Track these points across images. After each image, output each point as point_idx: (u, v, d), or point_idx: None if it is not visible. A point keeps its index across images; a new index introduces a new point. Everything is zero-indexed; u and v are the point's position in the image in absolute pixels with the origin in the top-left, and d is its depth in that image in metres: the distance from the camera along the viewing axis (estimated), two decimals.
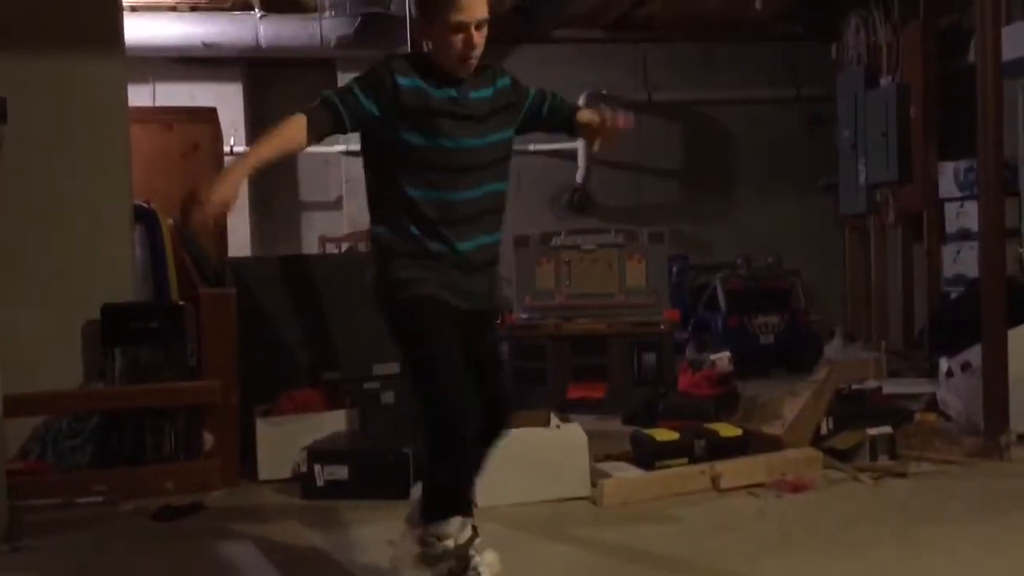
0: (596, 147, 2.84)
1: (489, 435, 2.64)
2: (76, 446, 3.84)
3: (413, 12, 2.73)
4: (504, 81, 2.73)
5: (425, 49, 2.67)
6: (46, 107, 3.72)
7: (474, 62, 2.59)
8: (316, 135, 2.52)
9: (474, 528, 2.56)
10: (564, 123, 2.89)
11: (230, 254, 5.70)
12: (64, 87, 3.72)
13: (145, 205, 4.18)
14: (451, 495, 2.55)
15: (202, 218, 2.36)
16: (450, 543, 2.51)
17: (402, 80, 2.55)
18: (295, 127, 2.49)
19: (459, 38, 2.53)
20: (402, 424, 4.22)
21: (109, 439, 3.85)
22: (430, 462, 2.61)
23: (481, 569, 2.52)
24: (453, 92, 2.60)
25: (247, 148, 2.51)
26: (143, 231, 4.06)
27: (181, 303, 4.06)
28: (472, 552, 2.53)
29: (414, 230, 2.58)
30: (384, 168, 2.62)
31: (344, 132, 2.57)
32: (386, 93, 2.54)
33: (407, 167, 2.58)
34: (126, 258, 3.88)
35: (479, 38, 2.56)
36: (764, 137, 8.19)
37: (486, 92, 2.67)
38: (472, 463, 2.60)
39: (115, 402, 3.81)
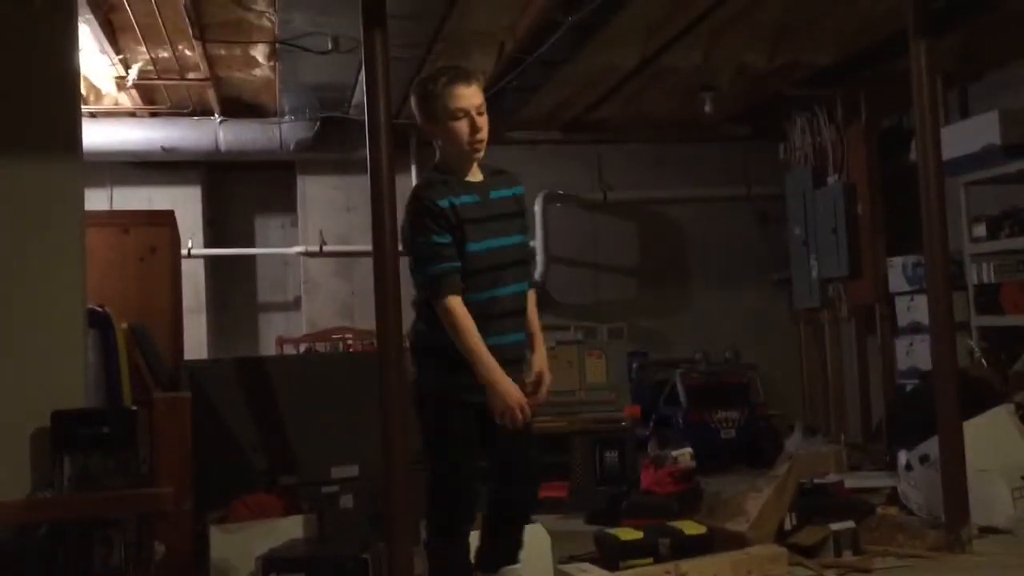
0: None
1: (514, 517, 2.91)
2: (22, 558, 3.69)
3: (418, 118, 2.85)
4: (520, 190, 2.93)
5: (436, 157, 2.84)
6: (0, 211, 3.69)
7: (483, 147, 2.75)
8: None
9: None
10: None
11: (186, 356, 5.63)
12: (19, 192, 3.70)
13: (99, 309, 4.14)
14: None
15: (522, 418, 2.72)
16: None
17: (441, 202, 2.73)
18: (467, 314, 2.72)
19: (464, 124, 2.69)
20: (361, 529, 4.12)
21: (56, 551, 3.71)
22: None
23: None
24: (476, 197, 2.75)
25: (468, 344, 2.75)
26: (96, 336, 4.01)
27: (134, 408, 3.98)
28: None
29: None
30: None
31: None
32: (443, 219, 2.73)
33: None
34: (78, 363, 3.81)
35: (482, 122, 2.73)
36: (717, 234, 8.35)
37: (507, 192, 2.84)
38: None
39: (63, 511, 3.68)
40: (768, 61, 6.29)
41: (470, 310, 2.72)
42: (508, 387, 2.69)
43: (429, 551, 2.95)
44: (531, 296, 2.95)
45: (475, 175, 2.81)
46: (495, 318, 2.75)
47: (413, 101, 2.85)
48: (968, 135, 5.79)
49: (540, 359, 2.93)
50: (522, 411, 2.69)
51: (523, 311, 2.85)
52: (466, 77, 2.76)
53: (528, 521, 3.05)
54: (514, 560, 2.98)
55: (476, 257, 2.72)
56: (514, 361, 2.80)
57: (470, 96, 2.70)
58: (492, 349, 2.72)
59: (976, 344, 5.85)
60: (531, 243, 3.01)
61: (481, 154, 2.78)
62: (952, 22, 5.37)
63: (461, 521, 2.87)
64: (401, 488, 3.57)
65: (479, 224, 2.72)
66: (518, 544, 3.00)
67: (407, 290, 3.15)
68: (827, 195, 7.29)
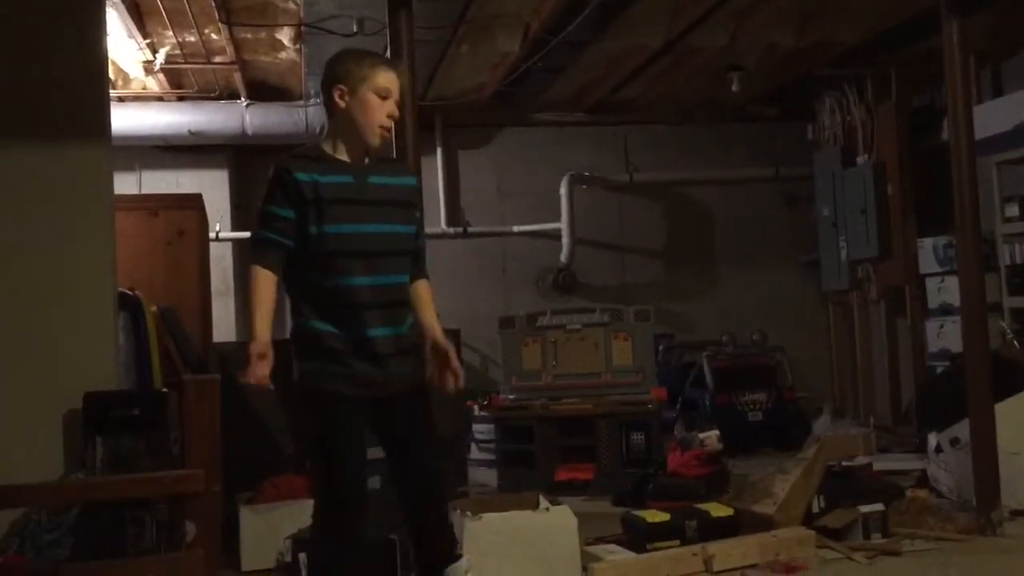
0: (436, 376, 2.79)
1: (423, 507, 2.76)
2: (55, 540, 3.75)
3: (329, 85, 2.74)
4: (411, 181, 2.84)
5: (325, 131, 2.79)
6: (30, 196, 3.73)
7: (388, 135, 2.71)
8: (279, 275, 2.67)
9: None
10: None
11: (215, 339, 5.67)
12: (50, 176, 3.74)
13: (130, 293, 4.17)
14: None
15: (256, 385, 2.65)
16: None
17: (299, 175, 2.64)
18: (267, 284, 2.63)
19: (385, 104, 2.66)
20: (388, 509, 4.15)
21: (89, 532, 3.76)
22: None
23: None
24: (350, 178, 2.67)
25: (252, 310, 2.65)
26: (127, 319, 4.04)
27: (164, 390, 4.02)
28: None
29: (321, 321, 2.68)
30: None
31: (291, 251, 2.66)
32: (292, 191, 2.64)
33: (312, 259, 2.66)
34: (109, 346, 3.85)
35: (397, 112, 2.70)
36: (745, 215, 8.30)
37: (392, 180, 2.74)
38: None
39: (95, 493, 3.73)
40: (796, 40, 6.21)
41: (317, 296, 2.64)
42: (253, 348, 2.60)
43: (311, 553, 2.84)
44: (420, 289, 2.80)
45: (358, 159, 2.70)
46: (348, 308, 2.62)
47: (333, 67, 2.75)
48: (1001, 113, 5.70)
49: (430, 327, 2.78)
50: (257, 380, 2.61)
51: (397, 304, 2.68)
52: (396, 66, 2.77)
53: (440, 509, 2.82)
54: (451, 558, 2.77)
55: (328, 239, 2.60)
56: (384, 356, 2.65)
57: (395, 84, 2.69)
58: (348, 341, 2.62)
59: (1008, 325, 5.78)
60: (421, 239, 2.83)
61: (383, 142, 2.71)
62: None
63: (347, 523, 2.70)
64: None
65: (344, 206, 2.62)
66: (449, 539, 2.82)
67: (432, 271, 3.14)
68: (856, 175, 7.21)
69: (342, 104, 2.68)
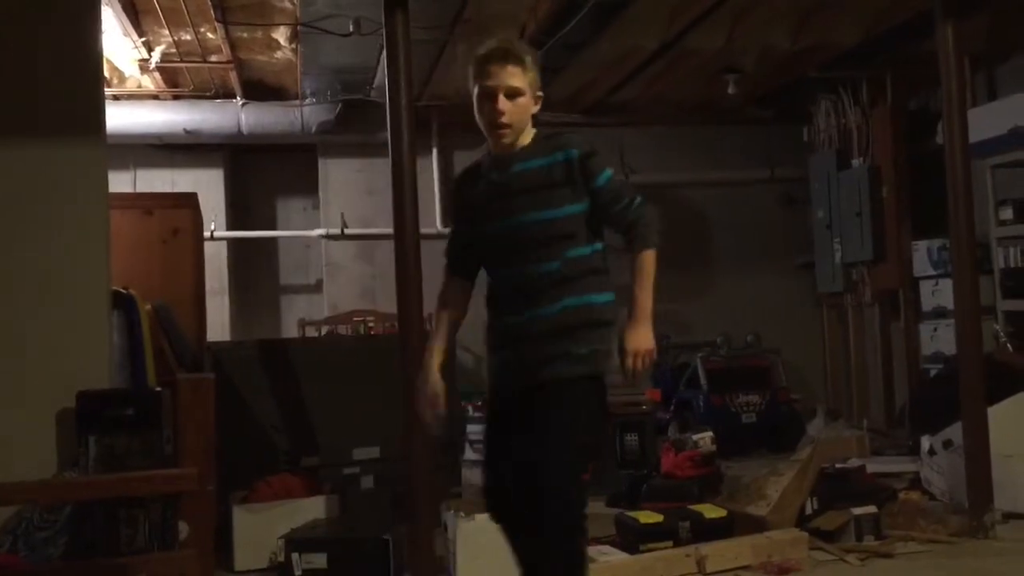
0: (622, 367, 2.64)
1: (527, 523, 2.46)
2: (48, 538, 3.74)
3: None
4: (566, 155, 2.62)
5: None
6: (24, 193, 3.72)
7: (506, 132, 2.59)
8: (468, 290, 2.76)
9: None
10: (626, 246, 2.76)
11: (209, 338, 5.67)
12: (44, 174, 3.73)
13: (124, 291, 4.17)
14: None
15: (430, 418, 2.65)
16: None
17: (456, 191, 2.72)
18: (451, 295, 2.74)
19: (486, 104, 2.56)
20: (383, 510, 4.15)
21: (82, 531, 3.75)
22: None
23: None
24: (495, 175, 2.64)
25: (432, 329, 2.76)
26: (121, 317, 4.04)
27: (158, 389, 4.01)
28: None
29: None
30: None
31: (479, 265, 2.73)
32: (455, 208, 2.74)
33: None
34: (103, 345, 3.84)
35: (506, 105, 2.56)
36: (740, 217, 8.30)
37: (537, 163, 2.62)
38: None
39: (89, 492, 3.72)
40: (792, 43, 6.22)
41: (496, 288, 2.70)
42: (421, 384, 2.68)
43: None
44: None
45: (513, 150, 2.64)
46: (491, 304, 2.71)
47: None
48: (995, 117, 5.71)
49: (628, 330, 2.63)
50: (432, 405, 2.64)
51: (531, 293, 2.58)
52: (503, 57, 2.58)
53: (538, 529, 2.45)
54: None
55: (478, 240, 2.68)
56: (511, 344, 2.63)
57: (499, 75, 2.55)
58: (490, 333, 2.70)
59: (1002, 329, 5.79)
60: (576, 209, 2.65)
61: (505, 139, 2.60)
62: (979, 3, 5.30)
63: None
64: (423, 469, 3.59)
65: (483, 208, 2.64)
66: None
67: (428, 273, 3.15)
68: (851, 178, 7.22)
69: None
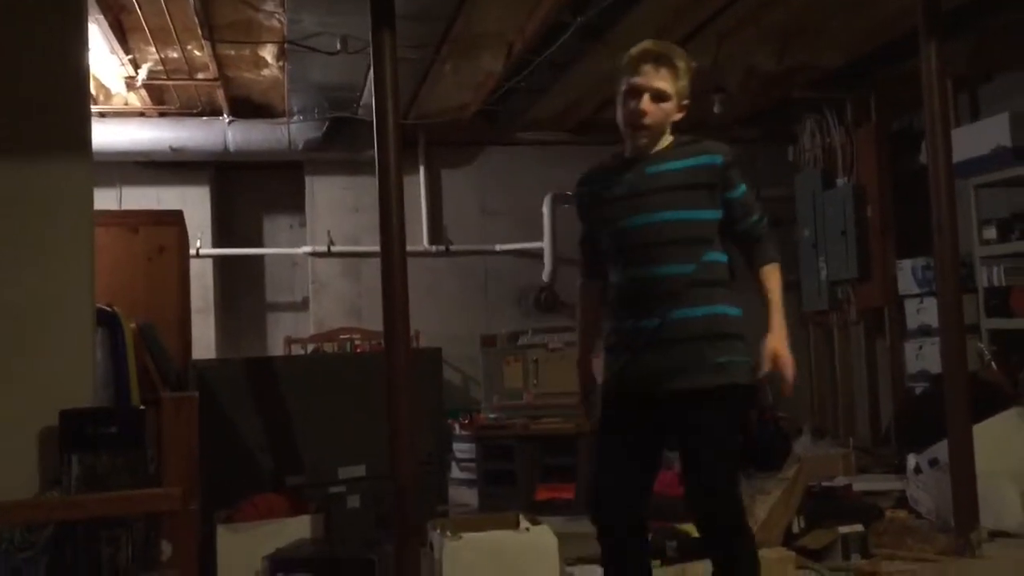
0: (767, 368, 2.73)
1: (705, 529, 2.57)
2: (29, 558, 3.70)
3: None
4: (710, 159, 2.64)
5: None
6: (8, 210, 3.70)
7: (644, 133, 2.61)
8: (603, 289, 2.80)
9: None
10: (748, 265, 2.78)
11: (194, 356, 5.63)
12: (29, 191, 3.71)
13: (108, 309, 4.14)
14: None
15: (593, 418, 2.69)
16: None
17: (583, 188, 2.75)
18: (589, 299, 2.84)
19: (631, 102, 2.58)
20: (368, 529, 4.12)
21: (63, 551, 3.71)
22: None
23: None
24: (629, 174, 2.64)
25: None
26: (105, 335, 4.01)
27: (142, 407, 3.98)
28: None
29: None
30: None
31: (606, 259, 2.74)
32: (582, 207, 2.76)
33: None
34: (86, 362, 3.81)
35: (650, 107, 2.58)
36: None
37: (676, 164, 2.62)
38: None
39: (71, 511, 3.69)
40: (777, 63, 6.27)
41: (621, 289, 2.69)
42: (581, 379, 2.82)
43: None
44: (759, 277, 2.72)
45: (650, 152, 2.66)
46: (616, 304, 2.70)
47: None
48: (978, 137, 5.76)
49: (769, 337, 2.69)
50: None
51: (663, 295, 2.56)
52: (656, 59, 2.62)
53: (719, 535, 2.61)
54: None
55: (606, 238, 2.70)
56: (638, 347, 2.60)
57: (650, 76, 2.58)
58: (611, 334, 2.70)
59: (986, 347, 5.82)
60: (745, 220, 2.73)
61: (642, 139, 2.62)
62: (962, 25, 5.35)
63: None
64: (408, 488, 3.57)
65: (613, 204, 2.64)
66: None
67: (413, 290, 3.13)
68: (836, 197, 7.26)
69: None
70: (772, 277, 2.74)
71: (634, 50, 2.66)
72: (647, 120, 2.59)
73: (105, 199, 6.79)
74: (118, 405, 4.10)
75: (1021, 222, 5.77)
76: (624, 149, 2.71)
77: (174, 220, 5.29)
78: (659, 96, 2.59)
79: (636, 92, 2.59)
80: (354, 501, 4.37)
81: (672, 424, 2.58)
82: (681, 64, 2.64)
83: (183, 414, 3.86)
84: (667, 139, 2.68)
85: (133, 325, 4.28)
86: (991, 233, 5.92)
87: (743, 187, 2.68)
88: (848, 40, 6.06)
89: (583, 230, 2.83)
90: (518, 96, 6.62)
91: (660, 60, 2.61)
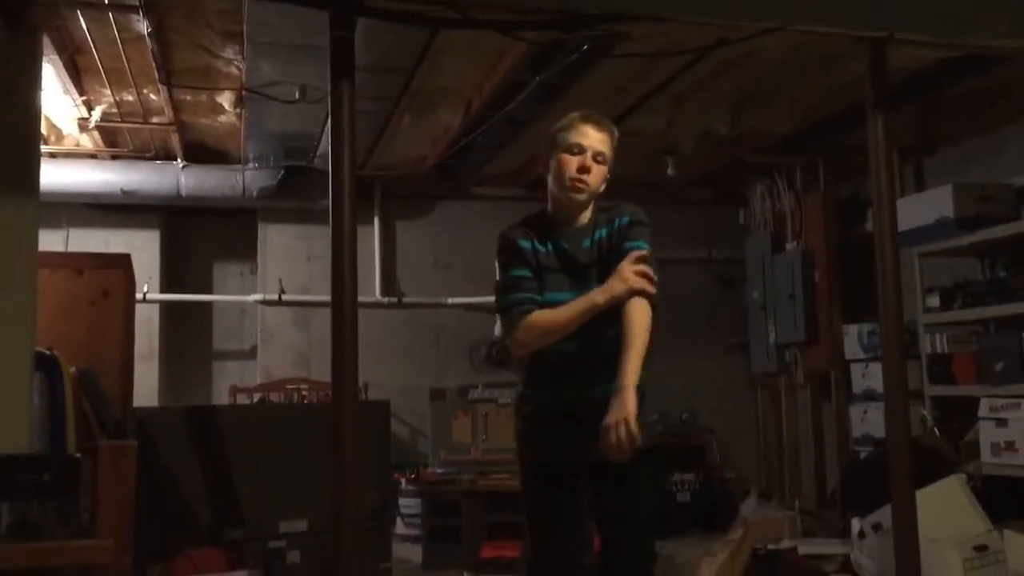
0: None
1: None
2: None
3: (542, 151, 2.83)
4: (620, 220, 2.74)
5: (548, 187, 2.77)
6: None
7: (584, 191, 2.67)
8: None
9: None
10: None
11: (136, 403, 5.51)
12: None
13: (47, 352, 4.04)
14: None
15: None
16: None
17: (522, 242, 2.72)
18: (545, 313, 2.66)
19: (574, 159, 2.64)
20: None
21: None
22: None
23: None
24: (563, 244, 2.68)
25: (565, 317, 2.75)
26: (43, 379, 3.90)
27: (77, 455, 3.87)
28: None
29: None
30: None
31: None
32: (522, 256, 2.72)
33: None
34: (21, 407, 3.70)
35: (595, 168, 2.66)
36: (678, 296, 8.37)
37: (604, 232, 2.72)
38: None
39: None
40: (730, 128, 6.40)
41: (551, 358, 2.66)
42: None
43: None
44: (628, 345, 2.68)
45: (577, 220, 2.74)
46: (547, 372, 2.71)
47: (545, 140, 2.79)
48: (923, 207, 5.91)
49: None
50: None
51: (603, 363, 2.62)
52: (598, 122, 2.73)
53: None
54: None
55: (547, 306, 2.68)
56: (586, 418, 2.59)
57: (592, 138, 2.68)
58: (538, 403, 2.70)
59: (929, 413, 5.90)
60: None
61: (581, 196, 2.70)
62: (908, 98, 5.51)
63: None
64: (351, 545, 3.49)
65: (555, 274, 2.69)
66: None
67: (364, 341, 3.10)
68: (785, 261, 7.38)
69: (544, 170, 2.76)
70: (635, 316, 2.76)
71: (575, 113, 2.75)
72: (588, 178, 2.66)
73: (52, 240, 6.67)
74: (53, 452, 3.98)
75: (963, 291, 5.89)
76: (549, 209, 2.75)
77: (121, 263, 5.20)
78: (600, 158, 2.67)
79: (580, 150, 2.66)
80: (294, 556, 4.27)
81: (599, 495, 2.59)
82: (615, 134, 2.78)
83: (120, 463, 3.75)
84: (591, 207, 2.78)
85: (73, 370, 4.18)
86: (934, 301, 6.04)
87: (643, 244, 2.76)
88: (798, 108, 6.21)
89: (520, 271, 2.72)
90: (475, 151, 6.66)
91: (601, 124, 2.74)
